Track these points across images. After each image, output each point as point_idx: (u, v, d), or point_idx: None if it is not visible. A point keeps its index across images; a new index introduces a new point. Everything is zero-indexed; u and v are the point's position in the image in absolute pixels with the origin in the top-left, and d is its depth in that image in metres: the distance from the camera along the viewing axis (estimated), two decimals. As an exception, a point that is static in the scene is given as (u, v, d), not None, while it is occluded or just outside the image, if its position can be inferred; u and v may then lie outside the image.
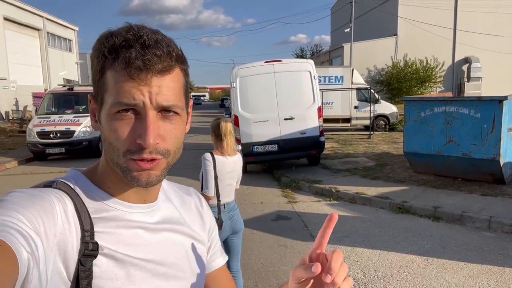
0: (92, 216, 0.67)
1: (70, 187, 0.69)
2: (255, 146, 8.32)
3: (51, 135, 11.21)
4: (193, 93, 69.36)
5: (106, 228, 0.68)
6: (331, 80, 17.27)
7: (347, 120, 17.38)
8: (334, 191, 6.98)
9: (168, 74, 0.64)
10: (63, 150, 11.32)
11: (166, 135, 0.66)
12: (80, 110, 12.37)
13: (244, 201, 6.81)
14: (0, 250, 0.47)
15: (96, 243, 0.65)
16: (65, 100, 12.84)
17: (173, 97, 0.65)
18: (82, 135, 11.43)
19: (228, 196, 3.18)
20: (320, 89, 15.43)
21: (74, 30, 32.65)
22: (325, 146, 12.11)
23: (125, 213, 0.71)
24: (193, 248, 0.82)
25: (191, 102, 0.78)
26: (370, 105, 15.31)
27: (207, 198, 3.04)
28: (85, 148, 11.48)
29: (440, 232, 5.08)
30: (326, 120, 16.66)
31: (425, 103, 6.92)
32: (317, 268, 0.59)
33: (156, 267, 0.72)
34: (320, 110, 8.49)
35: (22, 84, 21.79)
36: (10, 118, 20.22)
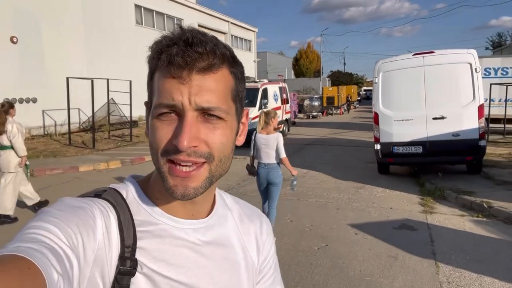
0: (137, 229, 0.65)
1: (121, 197, 0.67)
2: (396, 147, 7.66)
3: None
4: (364, 88, 67.08)
5: (150, 244, 0.64)
6: (523, 72, 14.07)
7: (544, 121, 13.90)
8: (486, 206, 5.85)
9: (212, 74, 0.60)
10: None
11: (208, 139, 0.61)
12: (245, 103, 13.84)
13: (372, 204, 6.44)
14: (28, 273, 0.45)
15: (135, 261, 0.62)
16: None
17: (215, 99, 0.60)
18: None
19: (267, 158, 4.68)
20: (505, 84, 13.09)
21: (253, 31, 36.25)
22: (501, 152, 10.17)
23: (173, 228, 0.67)
24: (242, 276, 0.74)
25: (246, 111, 0.73)
26: None
27: (250, 159, 4.92)
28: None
29: None
30: (512, 121, 13.82)
31: None
32: None
33: None
34: (482, 108, 7.14)
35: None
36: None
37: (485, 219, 5.62)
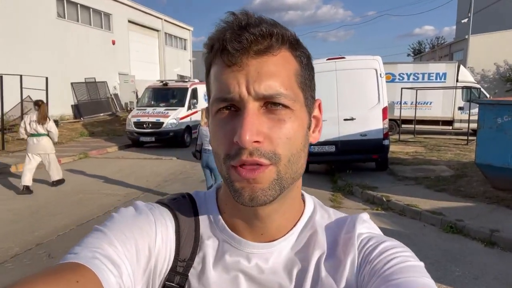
0: (201, 243, 0.60)
1: (194, 206, 0.64)
2: (312, 146, 8.08)
3: (144, 125, 12.68)
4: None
5: (208, 262, 0.59)
6: (431, 78, 15.60)
7: (449, 122, 15.53)
8: (385, 200, 6.41)
9: (272, 56, 0.52)
10: (153, 139, 12.71)
11: (273, 134, 0.52)
12: (173, 103, 13.68)
13: (287, 201, 6.73)
14: (86, 279, 0.46)
15: (186, 277, 0.58)
16: (161, 94, 14.33)
17: (277, 84, 0.52)
18: (169, 126, 12.64)
19: (208, 145, 5.45)
20: (414, 88, 14.39)
21: (189, 30, 35.77)
22: (408, 150, 11.17)
23: (233, 249, 0.60)
24: None
25: (319, 102, 0.62)
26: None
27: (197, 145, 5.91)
28: (171, 138, 12.69)
29: (484, 260, 4.30)
30: (422, 122, 15.26)
31: (503, 107, 5.84)
32: None
33: None
34: (385, 111, 7.81)
35: (141, 79, 24.91)
36: (129, 108, 23.36)
37: (383, 212, 6.16)
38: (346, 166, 8.83)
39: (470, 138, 12.61)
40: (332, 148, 7.98)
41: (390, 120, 9.66)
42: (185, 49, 35.19)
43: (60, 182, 7.62)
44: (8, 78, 10.89)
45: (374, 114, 7.77)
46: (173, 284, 0.57)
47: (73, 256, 0.50)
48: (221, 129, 0.53)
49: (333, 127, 7.90)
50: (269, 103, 0.52)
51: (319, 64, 8.06)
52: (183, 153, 11.67)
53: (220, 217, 0.62)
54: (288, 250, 0.60)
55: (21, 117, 12.87)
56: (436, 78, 15.53)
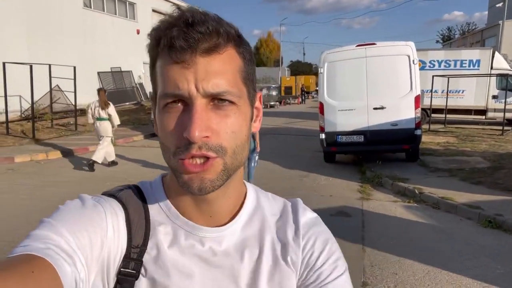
0: (152, 230, 0.62)
1: (141, 195, 0.65)
2: (339, 136, 7.88)
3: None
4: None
5: (162, 247, 0.61)
6: (463, 65, 14.89)
7: (482, 111, 14.85)
8: (417, 192, 6.16)
9: (218, 55, 0.55)
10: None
11: (219, 129, 0.55)
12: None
13: (314, 192, 6.59)
14: (41, 269, 0.46)
15: (140, 263, 0.59)
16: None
17: (224, 82, 0.55)
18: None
19: None
20: (446, 75, 13.78)
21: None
22: (439, 141, 10.75)
23: (187, 233, 0.62)
24: None
25: (259, 94, 0.66)
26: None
27: None
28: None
29: (529, 259, 4.04)
30: (453, 111, 14.65)
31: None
32: None
33: None
34: (418, 99, 7.47)
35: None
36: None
37: (415, 204, 5.92)
38: (375, 157, 8.58)
39: (505, 128, 12.03)
40: (360, 138, 7.74)
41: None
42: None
43: (105, 164, 8.30)
44: (37, 67, 11.09)
45: (406, 103, 7.45)
46: (128, 270, 0.58)
47: (23, 248, 0.49)
48: (170, 123, 0.55)
49: (362, 117, 7.65)
50: (216, 99, 0.55)
51: (347, 51, 7.81)
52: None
53: (170, 204, 0.64)
54: (239, 232, 0.64)
55: (50, 106, 13.20)
56: (469, 65, 14.82)
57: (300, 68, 56.66)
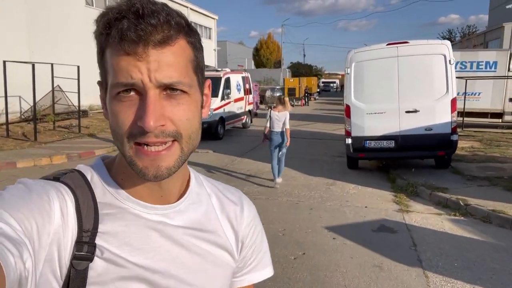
0: (101, 212, 0.61)
1: (84, 179, 0.63)
2: (368, 141, 7.32)
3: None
4: (323, 80, 67.57)
5: (114, 228, 0.61)
6: (480, 67, 14.45)
7: (498, 115, 14.40)
8: (462, 204, 5.62)
9: (169, 46, 0.55)
10: (186, 130, 12.17)
11: (174, 117, 0.57)
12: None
13: (346, 202, 6.04)
14: None
15: (94, 246, 0.58)
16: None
17: (176, 73, 0.56)
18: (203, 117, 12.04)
19: (278, 128, 6.78)
20: (463, 77, 13.31)
21: (214, 19, 35.12)
22: (463, 145, 10.24)
23: (139, 212, 0.64)
24: (217, 261, 0.70)
25: (208, 82, 0.68)
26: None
27: (266, 129, 6.97)
28: (205, 130, 12.06)
29: None
30: (469, 114, 14.17)
31: None
32: None
33: (161, 280, 0.63)
34: (455, 102, 6.95)
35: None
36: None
37: (462, 217, 5.38)
38: (401, 163, 8.05)
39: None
40: (391, 144, 7.19)
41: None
42: (209, 38, 34.59)
43: None
44: (38, 67, 10.47)
45: (442, 106, 6.92)
46: (82, 253, 0.57)
47: None
48: (123, 111, 0.56)
49: (393, 120, 7.11)
50: (169, 89, 0.57)
51: (377, 50, 7.27)
52: (218, 146, 11.11)
53: (118, 185, 0.64)
54: (188, 208, 0.69)
55: (52, 107, 12.58)
56: (486, 67, 14.37)
57: (301, 70, 56.16)
